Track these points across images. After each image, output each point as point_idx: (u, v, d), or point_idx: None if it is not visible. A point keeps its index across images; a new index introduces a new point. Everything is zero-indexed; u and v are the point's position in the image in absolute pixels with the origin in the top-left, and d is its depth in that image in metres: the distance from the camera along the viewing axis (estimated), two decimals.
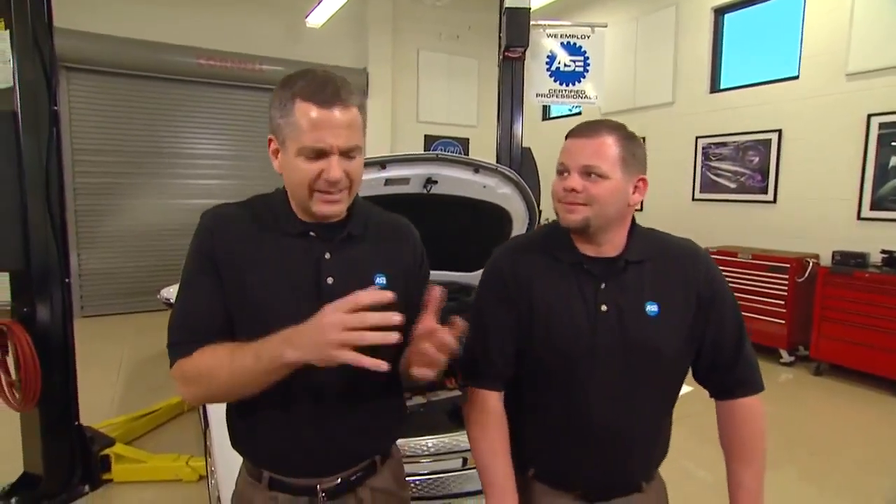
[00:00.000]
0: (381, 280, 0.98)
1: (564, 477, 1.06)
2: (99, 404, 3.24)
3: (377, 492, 1.04)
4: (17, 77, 2.18)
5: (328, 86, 0.87)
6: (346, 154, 0.89)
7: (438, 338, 0.81)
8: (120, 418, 2.95)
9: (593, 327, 0.99)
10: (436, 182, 1.99)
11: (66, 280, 2.31)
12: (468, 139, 7.90)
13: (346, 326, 0.75)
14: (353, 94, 0.89)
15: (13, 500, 2.24)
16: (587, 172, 0.97)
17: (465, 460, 1.73)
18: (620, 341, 0.99)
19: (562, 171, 1.01)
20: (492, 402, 1.06)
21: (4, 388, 2.25)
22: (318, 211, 0.91)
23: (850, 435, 3.28)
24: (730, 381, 1.06)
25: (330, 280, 0.94)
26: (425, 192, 2.00)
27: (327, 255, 0.95)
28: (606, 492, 1.05)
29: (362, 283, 0.92)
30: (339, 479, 0.99)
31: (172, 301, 3.03)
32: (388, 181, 1.88)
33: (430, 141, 7.69)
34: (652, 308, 0.99)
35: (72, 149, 5.35)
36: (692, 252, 1.06)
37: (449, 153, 1.99)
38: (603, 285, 1.00)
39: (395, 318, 0.76)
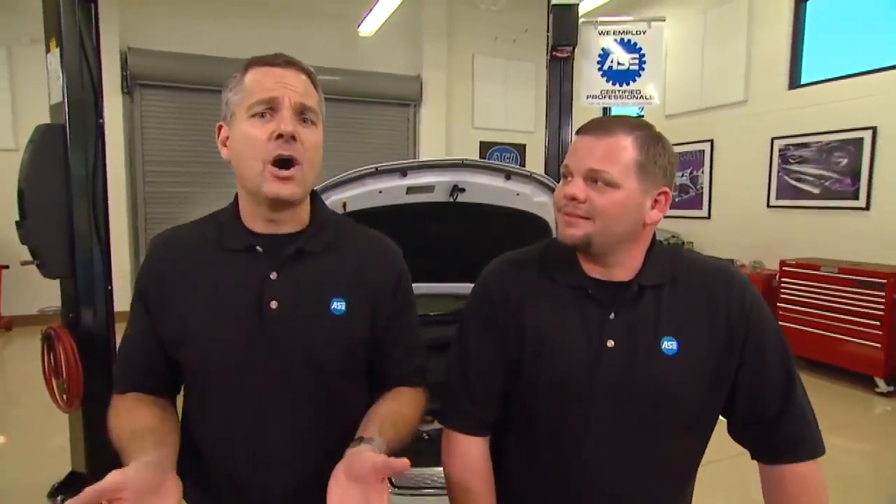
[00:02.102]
0: (338, 305, 0.85)
1: None
2: None
3: None
4: (66, 93, 2.27)
5: (281, 55, 0.84)
6: (301, 115, 0.81)
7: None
8: None
9: (593, 366, 0.81)
10: (463, 190, 1.86)
11: (109, 287, 2.39)
12: (525, 145, 7.70)
13: None
14: (306, 67, 0.85)
15: (58, 499, 2.33)
16: (593, 178, 0.79)
17: None
18: (627, 384, 0.80)
19: (565, 174, 0.83)
20: (475, 452, 0.89)
21: (55, 390, 2.36)
22: (271, 192, 0.81)
23: None
24: (776, 440, 0.83)
25: (274, 304, 0.82)
26: (451, 200, 1.88)
27: (273, 275, 0.84)
28: None
29: (313, 308, 0.82)
30: None
31: None
32: (409, 189, 1.78)
33: (485, 148, 7.56)
34: (670, 345, 0.80)
35: (143, 160, 5.71)
36: (724, 277, 0.85)
37: (476, 159, 1.86)
38: (611, 315, 0.82)
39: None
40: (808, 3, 4.92)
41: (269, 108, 0.80)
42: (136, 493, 0.60)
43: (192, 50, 5.70)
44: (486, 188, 1.90)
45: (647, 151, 0.79)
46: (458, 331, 0.95)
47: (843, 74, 4.63)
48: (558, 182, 2.11)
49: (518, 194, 1.97)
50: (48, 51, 2.28)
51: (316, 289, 0.86)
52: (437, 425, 1.90)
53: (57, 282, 2.37)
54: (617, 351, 0.81)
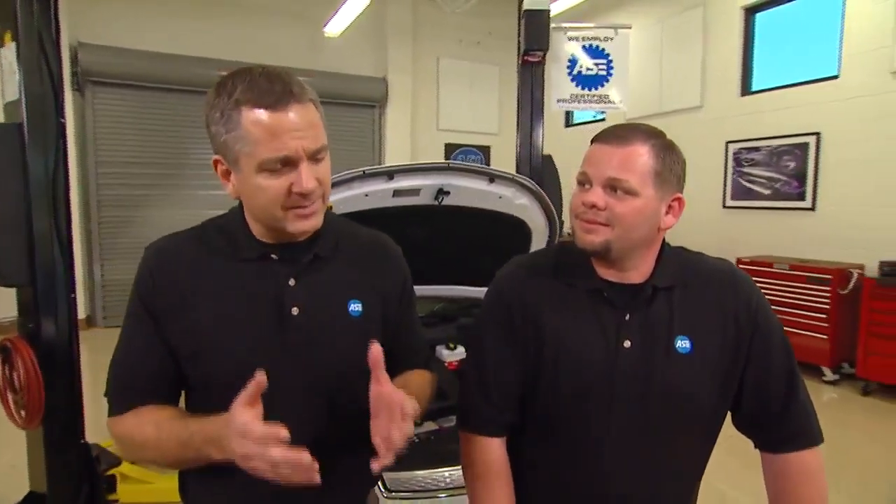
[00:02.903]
0: (355, 307, 0.86)
1: None
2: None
3: None
4: (23, 90, 2.14)
5: (275, 84, 0.74)
6: (314, 158, 0.77)
7: (396, 411, 0.70)
8: None
9: (612, 367, 0.83)
10: (448, 193, 1.87)
11: (73, 295, 2.26)
12: (489, 147, 7.78)
13: (248, 456, 0.66)
14: (304, 88, 0.77)
15: None
16: (612, 187, 0.80)
17: None
18: (644, 384, 0.82)
19: (583, 181, 0.85)
20: (494, 452, 0.90)
21: (11, 406, 2.21)
22: (294, 230, 0.79)
23: None
24: (781, 432, 0.88)
25: (295, 310, 0.82)
26: (437, 203, 1.88)
27: (292, 282, 0.83)
28: None
29: (333, 312, 0.83)
30: None
31: None
32: (396, 192, 1.77)
33: (450, 149, 7.60)
34: (683, 344, 0.83)
35: (96, 161, 5.43)
36: (731, 276, 0.89)
37: (462, 162, 1.86)
38: (627, 317, 0.84)
39: (304, 460, 0.65)
40: (757, 15, 5.20)
41: (283, 164, 0.75)
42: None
43: (148, 47, 5.46)
44: (470, 191, 1.92)
45: (663, 160, 0.81)
46: (474, 335, 0.96)
47: (789, 83, 4.92)
48: (538, 184, 2.15)
49: (500, 197, 2.00)
50: (2, 45, 2.15)
51: (333, 292, 0.86)
52: (426, 428, 1.90)
53: (13, 290, 2.23)
54: (634, 351, 0.83)
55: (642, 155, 0.80)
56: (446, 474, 1.60)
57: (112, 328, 5.54)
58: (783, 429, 0.88)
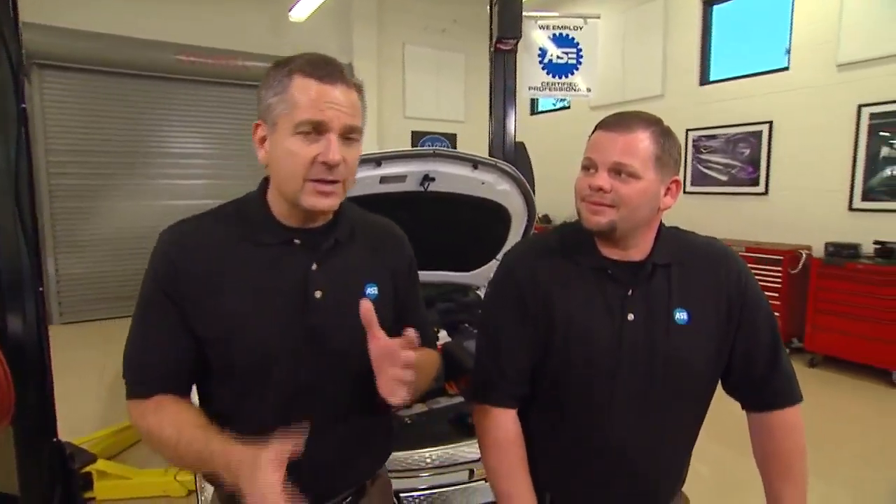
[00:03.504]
0: (372, 290, 0.90)
1: None
2: (79, 417, 3.10)
3: None
4: None
5: (330, 64, 0.81)
6: (347, 136, 0.81)
7: (397, 355, 0.75)
8: (101, 432, 2.81)
9: (619, 339, 0.89)
10: (433, 179, 1.90)
11: (40, 289, 2.17)
12: (455, 135, 7.80)
13: None
14: (353, 77, 0.83)
15: None
16: (617, 171, 0.86)
17: (471, 472, 1.65)
18: (647, 353, 0.89)
19: (588, 166, 0.90)
20: (508, 423, 0.96)
21: None
22: (310, 205, 0.81)
23: (847, 426, 3.27)
24: (766, 394, 0.96)
25: (318, 294, 0.85)
26: (422, 189, 1.91)
27: (314, 266, 0.86)
28: None
29: (352, 295, 0.86)
30: None
31: None
32: (383, 179, 1.79)
33: (417, 137, 7.58)
34: (681, 315, 0.90)
35: (45, 149, 5.15)
36: (722, 253, 0.97)
37: (447, 149, 1.88)
38: (630, 292, 0.90)
39: None
40: (714, 7, 5.41)
41: (316, 129, 0.79)
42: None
43: (104, 29, 5.16)
44: (455, 177, 1.95)
45: (662, 145, 0.87)
46: (486, 316, 1.01)
47: (744, 74, 5.15)
48: (517, 170, 2.19)
49: (483, 183, 2.04)
50: None
51: (352, 276, 0.90)
52: (417, 409, 1.94)
53: None
54: (637, 323, 0.89)
55: (644, 140, 0.86)
56: (434, 455, 1.65)
57: (70, 325, 5.31)
58: (768, 390, 0.96)
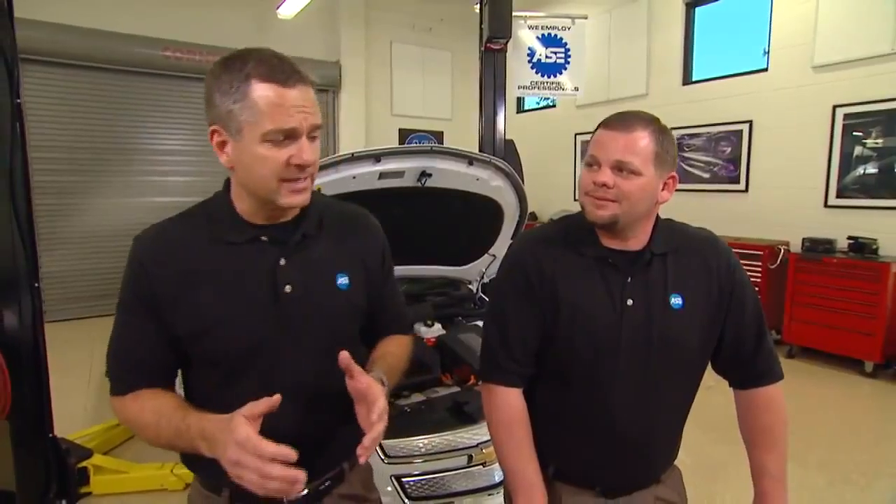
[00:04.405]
0: (343, 280, 0.93)
1: (586, 475, 1.04)
2: (70, 413, 3.08)
3: (344, 499, 1.01)
4: None
5: (284, 63, 0.80)
6: (311, 135, 0.82)
7: (371, 401, 0.79)
8: (96, 427, 2.80)
9: (619, 323, 0.96)
10: (430, 175, 1.95)
11: (36, 284, 2.17)
12: (442, 133, 7.85)
13: (244, 465, 0.70)
14: (306, 72, 0.83)
15: None
16: (619, 168, 0.92)
17: (470, 457, 1.71)
18: (645, 336, 0.96)
19: (591, 163, 0.96)
20: (514, 400, 1.03)
21: None
22: (286, 203, 0.84)
23: (822, 414, 3.41)
24: (752, 372, 1.05)
25: (288, 288, 0.88)
26: (420, 185, 1.96)
27: (282, 262, 0.88)
28: (628, 487, 1.04)
29: (323, 286, 0.90)
30: (306, 490, 0.93)
31: None
32: (382, 175, 1.83)
33: (404, 134, 7.61)
34: (676, 301, 0.97)
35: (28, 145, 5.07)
36: (712, 242, 1.05)
37: (444, 146, 1.94)
38: (629, 279, 0.98)
39: (300, 479, 0.71)
40: (697, 9, 5.54)
41: (287, 136, 0.80)
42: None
43: (88, 23, 5.10)
44: (451, 173, 2.00)
45: (661, 143, 0.93)
46: (494, 301, 1.08)
47: (726, 74, 5.29)
48: (511, 165, 2.25)
49: (478, 179, 2.10)
50: None
51: (322, 268, 0.92)
52: (414, 399, 1.99)
53: None
54: (636, 307, 0.96)
55: (644, 139, 0.92)
56: (438, 440, 1.70)
57: (53, 323, 5.24)
58: (753, 369, 1.05)
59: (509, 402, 1.02)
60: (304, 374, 0.90)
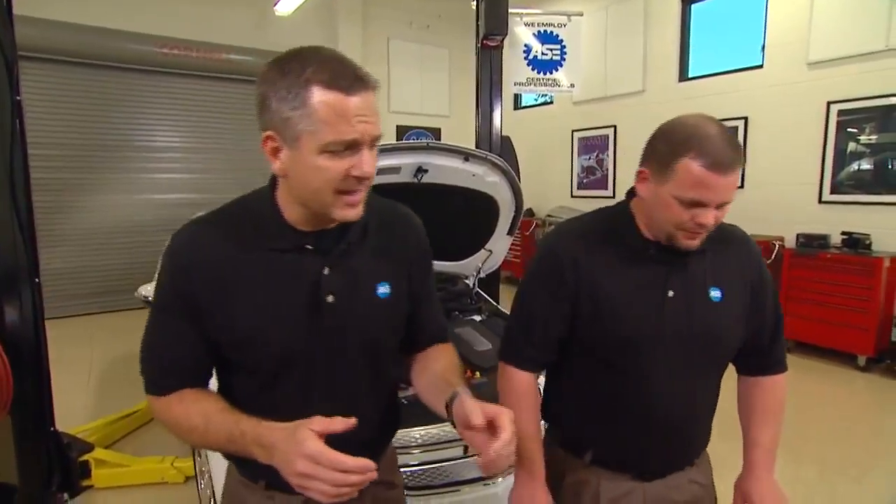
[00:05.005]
0: (384, 289, 0.91)
1: (623, 461, 1.07)
2: (71, 409, 3.10)
3: (374, 485, 0.99)
4: None
5: (346, 67, 0.75)
6: (371, 145, 0.78)
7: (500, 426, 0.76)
8: (97, 422, 2.83)
9: (660, 313, 0.98)
10: (426, 171, 1.97)
11: (37, 280, 2.20)
12: (440, 129, 7.86)
13: (314, 477, 0.69)
14: (370, 75, 0.77)
15: None
16: (720, 206, 0.91)
17: (466, 448, 1.74)
18: (686, 327, 0.99)
19: (695, 204, 0.90)
20: (528, 385, 1.06)
21: None
22: (340, 217, 0.80)
23: (816, 408, 3.45)
24: (765, 361, 1.11)
25: (330, 298, 0.85)
26: (416, 181, 1.98)
27: (326, 271, 0.85)
28: (664, 471, 1.07)
29: (364, 296, 0.89)
30: None
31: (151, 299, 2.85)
32: (379, 170, 1.85)
33: (402, 131, 7.61)
34: (715, 294, 1.00)
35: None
36: (745, 239, 1.08)
37: (440, 142, 1.96)
38: (669, 271, 0.99)
39: (372, 470, 0.71)
40: (692, 5, 5.56)
41: (348, 147, 0.75)
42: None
43: (86, 20, 5.10)
44: (447, 169, 2.02)
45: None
46: (523, 289, 1.09)
47: (721, 70, 5.31)
48: (507, 162, 2.25)
49: (474, 175, 2.12)
50: None
51: (363, 277, 0.90)
52: (411, 391, 2.01)
53: None
54: (677, 299, 0.98)
55: (738, 173, 0.91)
56: (434, 431, 1.73)
57: (52, 320, 5.25)
58: (767, 359, 1.10)
59: (521, 382, 1.06)
60: (341, 380, 0.90)
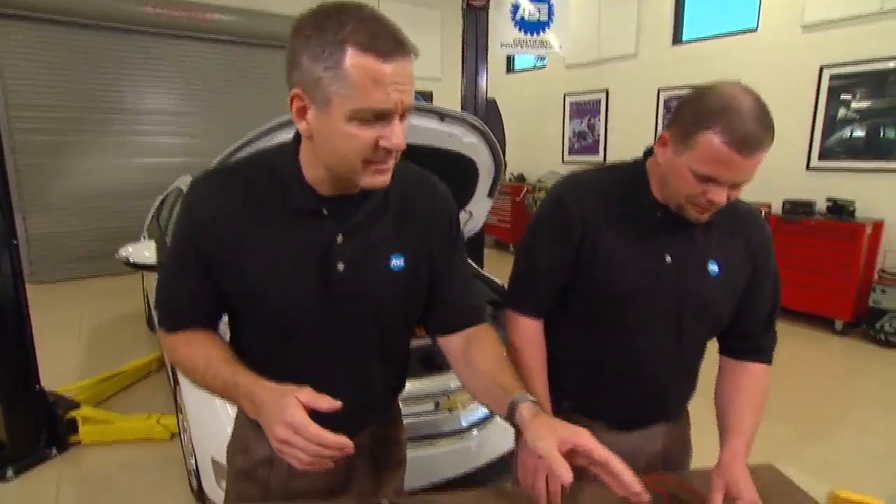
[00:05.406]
0: (398, 262, 0.88)
1: (599, 410, 1.09)
2: (60, 371, 3.16)
3: (376, 439, 1.04)
4: None
5: (386, 29, 0.70)
6: (403, 115, 0.74)
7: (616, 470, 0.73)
8: (85, 381, 2.88)
9: (656, 276, 0.98)
10: None
11: (14, 242, 2.21)
12: (432, 92, 7.73)
13: (291, 444, 0.69)
14: (409, 40, 0.72)
15: None
16: (737, 184, 0.88)
17: (437, 404, 1.79)
18: (679, 295, 0.99)
19: (709, 180, 0.87)
20: (534, 329, 1.08)
21: None
22: (368, 185, 0.78)
23: (791, 370, 3.53)
24: (752, 346, 1.08)
25: (341, 266, 0.84)
26: None
27: (339, 239, 0.83)
28: (639, 423, 1.10)
29: (375, 268, 0.87)
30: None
31: (132, 261, 2.86)
32: None
33: None
34: (713, 267, 0.99)
35: (6, 104, 4.97)
36: (755, 215, 1.06)
37: (414, 101, 1.92)
38: (671, 237, 0.99)
39: (349, 448, 0.70)
40: None
41: (379, 117, 0.72)
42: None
43: None
44: (422, 129, 2.00)
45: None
46: (530, 237, 1.09)
47: (716, 34, 5.20)
48: (488, 125, 2.23)
49: (450, 135, 2.10)
50: None
51: (377, 248, 0.87)
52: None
53: None
54: (673, 266, 0.98)
55: (764, 154, 0.85)
56: (407, 387, 1.78)
57: (41, 284, 5.28)
58: (754, 344, 1.08)
59: (527, 329, 1.08)
60: (348, 347, 0.89)
